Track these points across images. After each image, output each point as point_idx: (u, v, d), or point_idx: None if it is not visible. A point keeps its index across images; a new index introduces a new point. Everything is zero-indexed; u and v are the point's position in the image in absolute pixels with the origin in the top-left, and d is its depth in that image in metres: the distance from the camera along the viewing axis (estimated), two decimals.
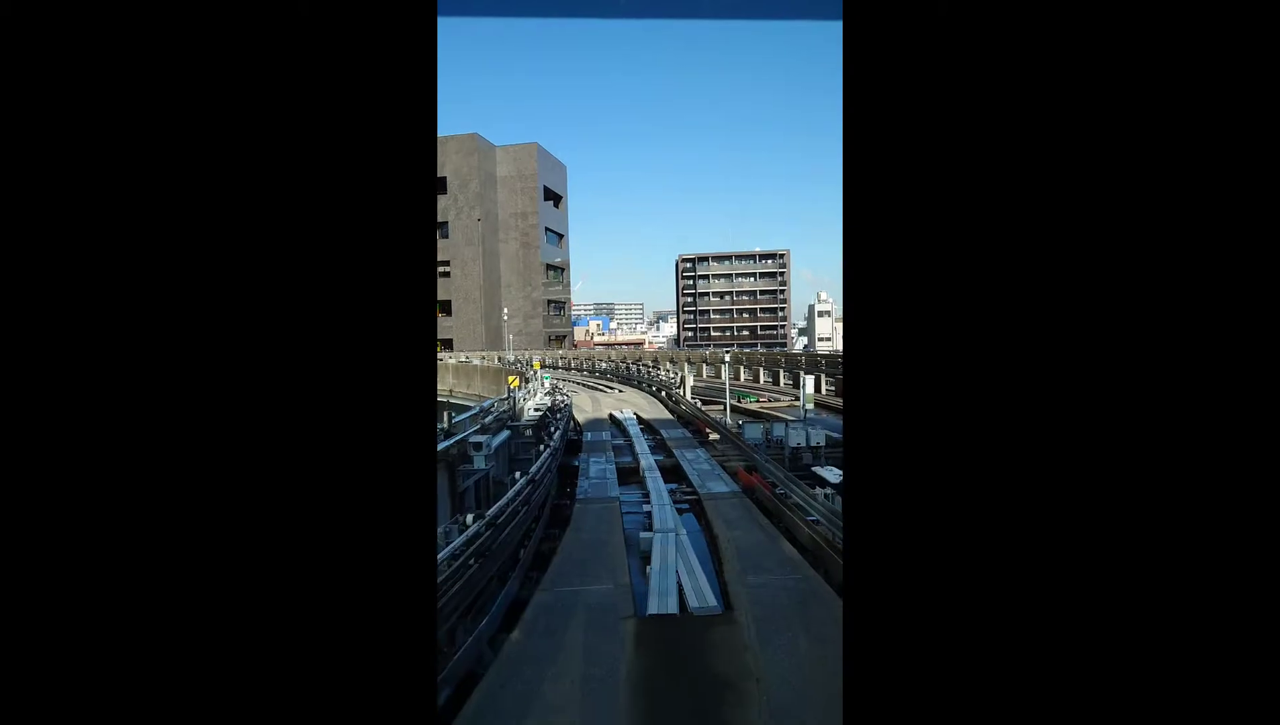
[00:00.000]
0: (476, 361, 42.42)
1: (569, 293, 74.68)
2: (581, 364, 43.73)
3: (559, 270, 71.67)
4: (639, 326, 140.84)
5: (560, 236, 72.50)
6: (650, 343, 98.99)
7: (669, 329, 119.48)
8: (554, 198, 70.23)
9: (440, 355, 63.15)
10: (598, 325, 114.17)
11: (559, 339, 71.64)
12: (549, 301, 68.09)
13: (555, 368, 44.64)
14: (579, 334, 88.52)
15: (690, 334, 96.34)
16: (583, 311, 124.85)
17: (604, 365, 39.08)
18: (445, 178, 61.70)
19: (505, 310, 57.81)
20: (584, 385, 33.94)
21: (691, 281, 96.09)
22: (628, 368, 34.09)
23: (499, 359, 49.35)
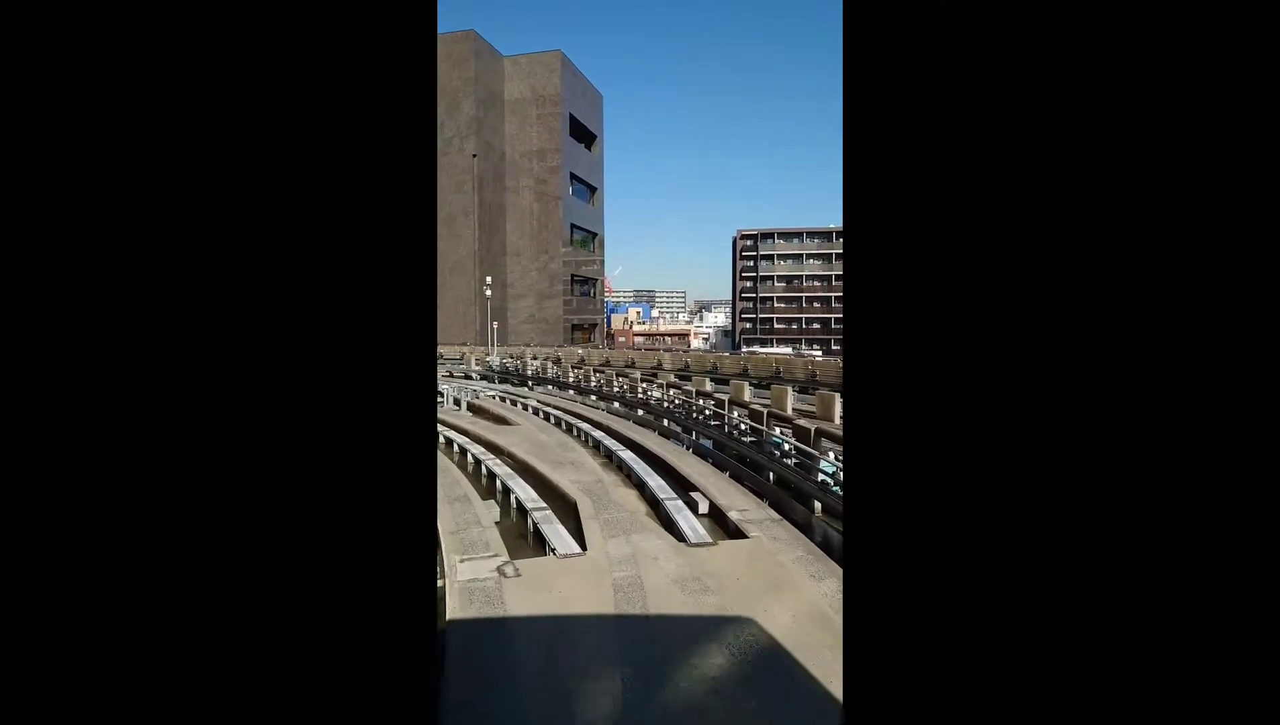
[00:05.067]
0: None
1: (602, 270, 53.72)
2: (610, 380, 22.02)
3: (589, 235, 50.78)
4: (681, 316, 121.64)
5: (592, 190, 51.46)
6: (695, 333, 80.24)
7: (713, 319, 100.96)
8: (584, 136, 49.14)
9: None
10: (637, 313, 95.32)
11: (586, 329, 50.80)
12: (573, 278, 47.25)
13: (562, 386, 23.67)
14: (615, 322, 68.60)
15: (748, 325, 76.22)
16: (621, 298, 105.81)
17: (668, 399, 17.34)
18: None
19: (489, 281, 37.09)
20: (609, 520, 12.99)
21: (752, 262, 75.71)
22: (760, 433, 12.39)
23: (477, 362, 28.75)
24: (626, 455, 12.36)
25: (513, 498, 10.09)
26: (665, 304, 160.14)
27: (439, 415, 17.62)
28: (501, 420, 17.42)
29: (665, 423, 16.38)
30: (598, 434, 14.58)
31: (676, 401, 16.11)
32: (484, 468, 11.95)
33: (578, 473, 11.28)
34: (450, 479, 10.76)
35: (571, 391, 22.74)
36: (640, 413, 17.73)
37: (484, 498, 9.97)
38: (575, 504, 9.49)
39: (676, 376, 20.12)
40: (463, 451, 13.59)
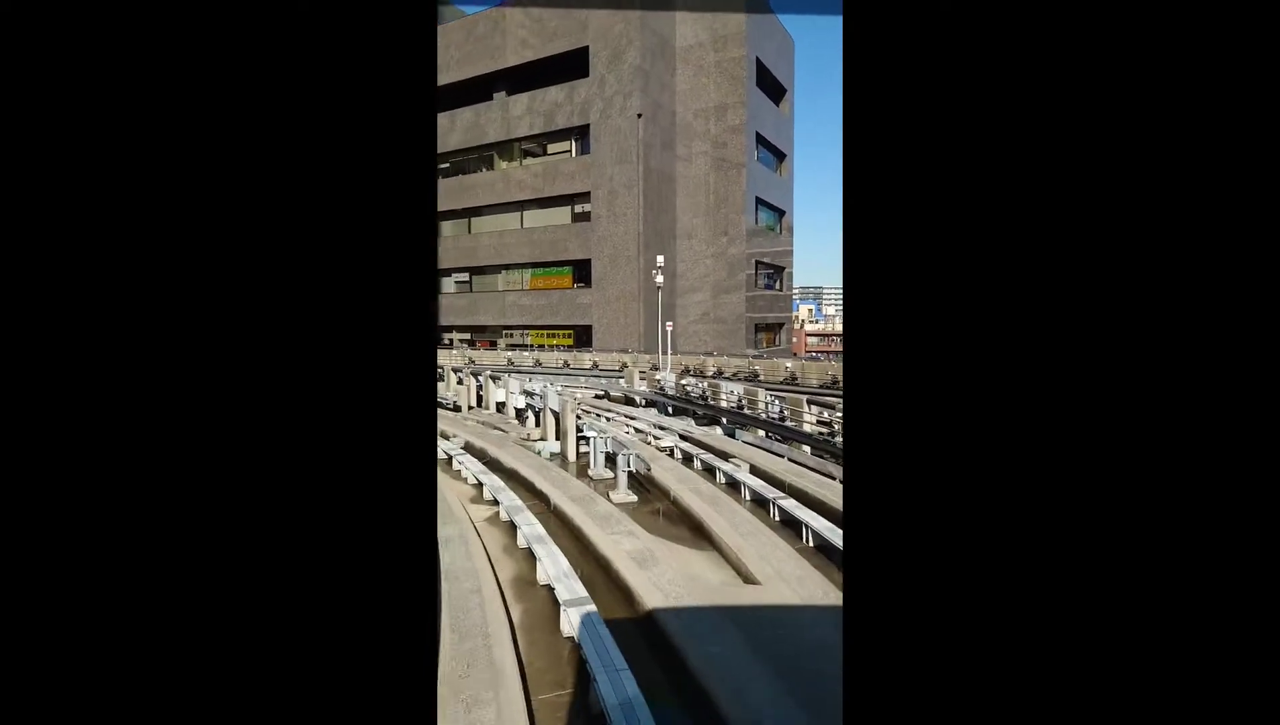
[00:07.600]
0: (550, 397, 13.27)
1: (791, 257, 43.08)
2: None
3: (776, 213, 40.39)
4: None
5: (781, 157, 40.88)
6: None
7: None
8: (772, 89, 38.76)
9: (543, 356, 30.26)
10: (809, 311, 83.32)
11: (769, 330, 40.52)
12: (758, 265, 37.30)
13: (787, 436, 13.29)
14: None
15: None
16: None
17: None
18: (587, 47, 33.45)
19: (661, 261, 27.97)
20: None
21: None
22: None
23: (642, 377, 19.84)
24: None
25: None
26: (833, 298, 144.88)
27: (564, 505, 8.72)
28: (698, 530, 8.08)
29: None
30: None
31: None
32: None
33: None
34: None
35: (807, 447, 12.87)
36: None
37: None
38: None
39: None
40: None
